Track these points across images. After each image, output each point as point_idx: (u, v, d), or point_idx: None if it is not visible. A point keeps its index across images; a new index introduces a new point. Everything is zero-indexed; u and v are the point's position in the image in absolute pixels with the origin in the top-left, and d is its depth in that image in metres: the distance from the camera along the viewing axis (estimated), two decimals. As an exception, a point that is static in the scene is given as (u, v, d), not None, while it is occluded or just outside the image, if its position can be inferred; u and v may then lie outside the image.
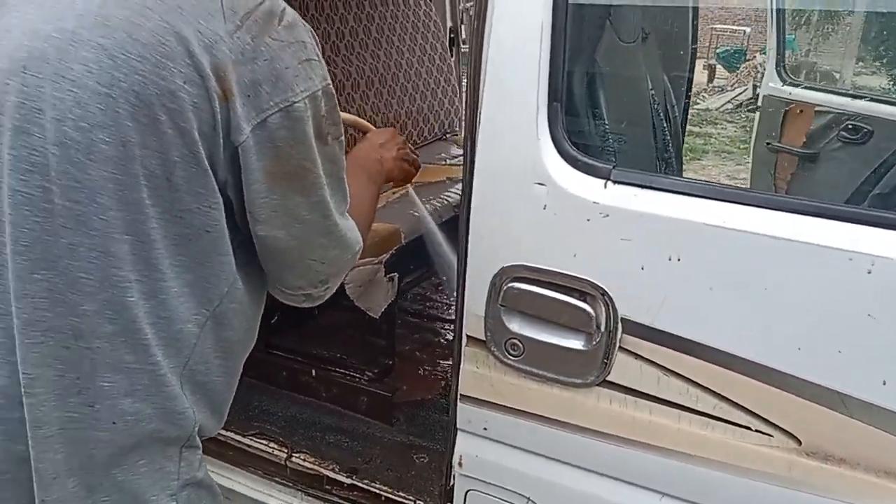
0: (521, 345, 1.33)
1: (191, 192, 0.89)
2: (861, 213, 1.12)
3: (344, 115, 1.61)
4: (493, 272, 1.32)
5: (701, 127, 11.67)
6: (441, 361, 2.04)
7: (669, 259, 1.20)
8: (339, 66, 2.31)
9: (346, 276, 1.71)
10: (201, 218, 0.91)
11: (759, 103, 3.24)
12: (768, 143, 3.11)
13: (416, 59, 2.58)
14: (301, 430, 1.90)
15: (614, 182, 1.24)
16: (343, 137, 1.04)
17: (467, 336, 1.39)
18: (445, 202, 1.93)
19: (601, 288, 1.25)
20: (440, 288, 2.46)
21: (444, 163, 2.24)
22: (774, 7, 3.04)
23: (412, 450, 1.85)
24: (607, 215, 1.23)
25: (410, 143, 2.50)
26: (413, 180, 1.53)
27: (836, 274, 1.10)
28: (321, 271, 1.06)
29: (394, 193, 1.84)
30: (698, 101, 14.11)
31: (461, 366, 1.41)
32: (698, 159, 9.47)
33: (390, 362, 1.87)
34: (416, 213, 1.70)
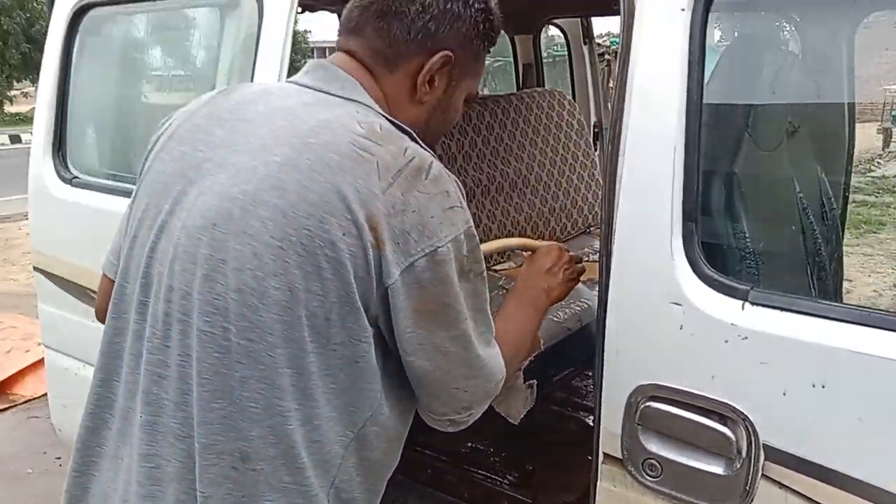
0: (659, 465, 1.31)
1: (344, 327, 0.99)
2: None
3: (511, 240, 1.71)
4: (630, 390, 1.32)
5: (877, 196, 10.86)
6: (584, 462, 2.02)
7: (814, 386, 1.15)
8: (485, 171, 2.44)
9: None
10: (352, 350, 1.01)
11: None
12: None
13: (559, 157, 2.66)
14: (440, 532, 1.94)
15: (752, 304, 1.22)
16: (485, 272, 1.11)
17: (604, 454, 1.38)
18: (583, 307, 1.94)
19: (741, 412, 1.22)
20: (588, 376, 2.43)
21: (587, 258, 2.26)
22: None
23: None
24: (746, 337, 1.21)
25: (554, 237, 2.57)
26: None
27: None
28: (464, 399, 1.10)
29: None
30: (873, 167, 13.18)
31: (598, 483, 1.40)
32: (874, 232, 8.79)
33: (531, 467, 1.88)
34: (554, 318, 1.73)
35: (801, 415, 1.17)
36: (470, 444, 1.97)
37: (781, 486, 1.21)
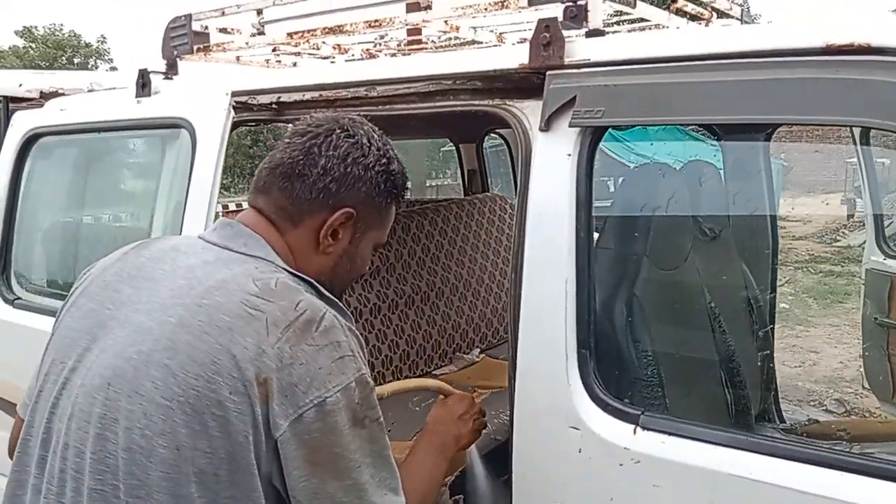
0: (569, 586, 1.35)
1: (234, 482, 1.02)
2: (887, 469, 1.11)
3: (431, 381, 1.76)
4: (537, 511, 1.37)
5: (843, 266, 11.06)
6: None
7: (702, 508, 1.22)
8: (424, 278, 2.54)
9: (414, 499, 1.81)
10: (243, 503, 1.03)
11: (864, 277, 3.14)
12: (876, 319, 2.99)
13: (500, 260, 2.77)
14: None
15: (643, 428, 1.29)
16: (381, 419, 1.14)
17: (519, 576, 1.42)
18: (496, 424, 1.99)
19: (638, 534, 1.27)
20: None
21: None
22: (866, 182, 3.02)
23: None
24: (638, 461, 1.27)
25: (484, 343, 2.64)
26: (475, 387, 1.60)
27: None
28: None
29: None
30: (838, 237, 13.49)
31: None
32: (840, 302, 8.93)
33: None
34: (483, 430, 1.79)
35: (693, 536, 1.23)
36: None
37: None
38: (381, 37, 2.32)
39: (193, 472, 1.01)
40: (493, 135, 3.37)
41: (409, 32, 2.25)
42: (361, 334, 2.34)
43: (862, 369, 3.26)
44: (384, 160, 1.22)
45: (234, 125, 1.87)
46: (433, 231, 2.61)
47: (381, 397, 1.57)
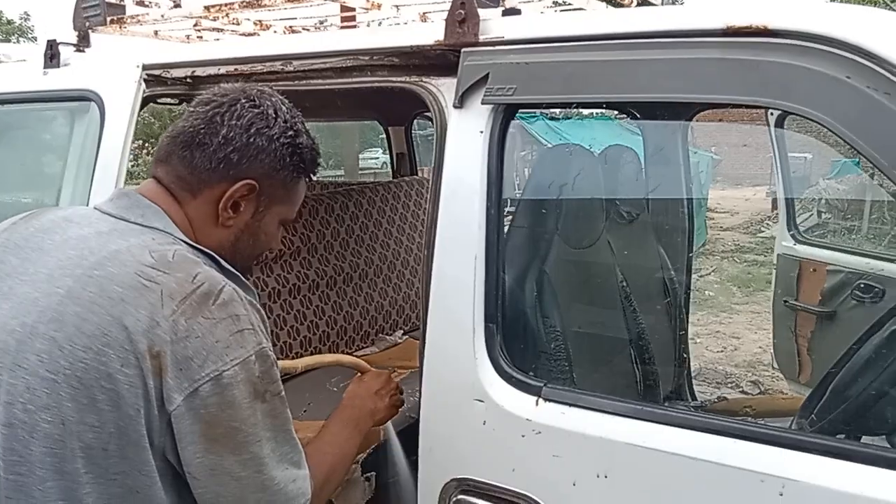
0: (472, 555, 1.37)
1: (124, 458, 1.01)
2: (772, 435, 1.16)
3: (347, 357, 1.75)
4: (442, 484, 1.39)
5: (766, 255, 11.49)
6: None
7: (598, 476, 1.25)
8: (347, 259, 2.52)
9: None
10: (133, 480, 1.02)
11: (775, 262, 3.27)
12: (786, 301, 3.12)
13: (414, 245, 2.77)
14: None
15: (545, 399, 1.32)
16: (283, 393, 1.13)
17: (424, 545, 1.44)
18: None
19: (538, 503, 1.30)
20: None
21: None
22: (780, 171, 3.14)
23: None
24: (540, 432, 1.30)
25: (408, 325, 2.65)
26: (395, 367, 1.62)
27: (751, 496, 1.14)
28: None
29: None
30: (762, 228, 14.00)
31: (422, 575, 1.46)
32: (762, 290, 9.28)
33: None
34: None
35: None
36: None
37: (578, 571, 1.29)
38: (321, 22, 2.29)
39: (80, 447, 0.99)
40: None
41: (343, 19, 2.23)
42: (280, 315, 2.33)
43: (772, 350, 3.40)
44: (291, 132, 1.19)
45: (146, 100, 1.82)
46: (357, 212, 2.60)
47: (294, 371, 1.56)
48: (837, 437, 1.30)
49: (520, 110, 1.43)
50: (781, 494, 1.11)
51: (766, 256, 11.30)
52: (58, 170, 1.98)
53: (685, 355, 2.53)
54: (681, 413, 1.34)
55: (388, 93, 1.70)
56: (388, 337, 2.65)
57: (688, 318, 2.67)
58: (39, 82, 1.96)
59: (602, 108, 1.40)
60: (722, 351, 6.82)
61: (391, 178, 3.22)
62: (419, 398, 1.45)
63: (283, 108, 1.19)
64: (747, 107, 1.21)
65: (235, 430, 1.04)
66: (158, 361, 0.99)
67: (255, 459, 1.07)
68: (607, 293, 1.85)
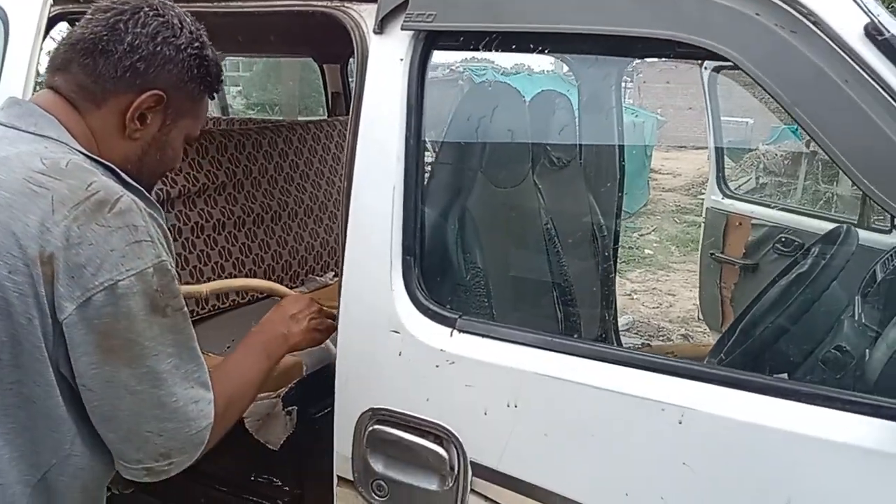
0: (385, 486, 1.38)
1: (19, 366, 0.99)
2: (672, 365, 1.19)
3: (259, 282, 1.72)
4: (358, 414, 1.39)
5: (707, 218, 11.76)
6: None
7: (508, 405, 1.27)
8: (276, 197, 2.47)
9: (246, 411, 1.80)
10: (28, 390, 1.00)
11: (704, 215, 3.35)
12: (712, 254, 3.20)
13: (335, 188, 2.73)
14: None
15: (459, 331, 1.32)
16: (185, 308, 1.11)
17: (338, 477, 1.45)
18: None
19: (450, 432, 1.31)
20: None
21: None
22: (711, 126, 3.19)
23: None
24: (453, 362, 1.31)
25: (332, 271, 2.63)
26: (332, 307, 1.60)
27: (652, 424, 1.17)
28: (159, 444, 1.07)
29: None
30: (702, 191, 14.33)
31: (335, 504, 1.46)
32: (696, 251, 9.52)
33: (299, 492, 1.92)
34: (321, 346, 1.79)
35: (499, 432, 1.28)
36: (244, 473, 1.99)
37: (487, 499, 1.31)
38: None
39: None
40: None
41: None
42: (203, 251, 2.28)
43: (697, 301, 3.50)
44: (197, 44, 1.16)
45: (56, 17, 1.72)
46: (287, 149, 2.54)
47: (199, 295, 1.53)
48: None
49: (440, 43, 1.40)
50: (680, 422, 1.14)
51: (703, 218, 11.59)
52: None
53: (611, 302, 2.58)
54: (587, 345, 1.36)
55: (321, 27, 1.64)
56: (318, 278, 2.62)
57: (615, 266, 2.72)
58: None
59: (526, 43, 1.37)
60: (657, 307, 7.01)
61: (324, 118, 3.15)
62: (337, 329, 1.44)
63: (188, 20, 1.16)
64: (661, 42, 1.21)
65: (132, 342, 1.02)
66: (50, 268, 0.96)
67: (152, 374, 1.04)
68: (531, 234, 1.86)
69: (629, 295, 7.12)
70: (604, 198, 2.49)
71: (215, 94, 1.27)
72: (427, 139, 1.43)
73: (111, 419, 1.05)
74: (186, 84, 1.17)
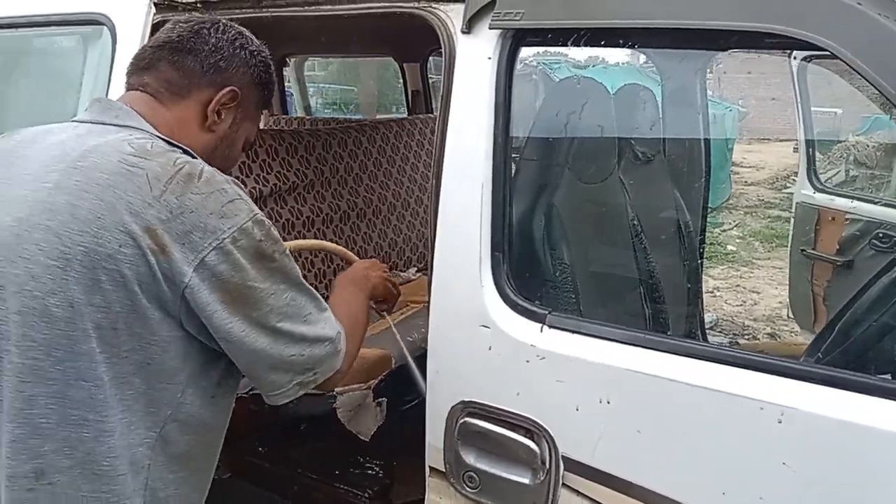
0: (477, 477, 1.41)
1: (132, 334, 1.05)
2: (772, 364, 1.17)
3: (328, 243, 1.79)
4: (449, 407, 1.42)
5: (789, 212, 11.33)
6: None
7: (600, 402, 1.27)
8: (361, 194, 2.53)
9: (338, 401, 1.85)
10: (142, 354, 1.07)
11: (793, 210, 3.23)
12: (803, 250, 3.09)
13: (428, 183, 2.76)
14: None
15: (549, 326, 1.33)
16: (287, 250, 1.19)
17: (430, 467, 1.47)
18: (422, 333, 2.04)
19: (542, 426, 1.32)
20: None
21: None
22: (802, 119, 3.08)
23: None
24: (544, 358, 1.32)
25: (422, 263, 2.66)
26: (407, 301, 1.67)
27: (750, 422, 1.15)
28: (304, 362, 1.17)
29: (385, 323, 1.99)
30: (788, 184, 13.78)
31: (427, 496, 1.49)
32: (785, 246, 9.17)
33: (388, 482, 1.96)
34: (408, 338, 1.82)
35: (592, 428, 1.29)
36: (335, 462, 2.05)
37: (579, 493, 1.32)
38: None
39: (91, 327, 1.03)
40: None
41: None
42: (293, 247, 2.34)
43: (787, 299, 3.38)
44: (264, 54, 1.31)
45: (157, 25, 1.81)
46: (371, 148, 2.59)
47: None
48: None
49: (527, 40, 1.40)
50: (780, 421, 1.12)
51: (790, 212, 11.13)
52: (71, 99, 1.99)
53: (698, 299, 2.52)
54: (682, 342, 1.34)
55: (402, 27, 1.68)
56: (401, 273, 2.66)
57: (702, 262, 2.66)
58: (53, 5, 1.95)
59: (613, 38, 1.36)
60: (741, 305, 6.79)
61: (406, 116, 3.20)
62: (428, 324, 1.46)
63: (255, 39, 1.30)
64: (751, 34, 1.18)
65: (251, 288, 1.09)
66: (158, 239, 1.03)
67: (276, 310, 1.12)
68: (618, 230, 1.84)
69: (711, 292, 6.92)
70: (689, 193, 2.44)
71: (266, 109, 1.36)
72: (513, 136, 1.44)
73: (256, 360, 1.13)
74: (255, 87, 1.29)
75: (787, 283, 3.37)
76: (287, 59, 3.60)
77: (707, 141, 2.55)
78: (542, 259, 1.54)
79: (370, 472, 1.97)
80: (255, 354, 1.13)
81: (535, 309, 1.35)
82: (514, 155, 1.48)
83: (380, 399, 1.79)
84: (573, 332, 1.31)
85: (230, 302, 1.07)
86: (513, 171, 1.42)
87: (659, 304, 1.95)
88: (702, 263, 2.66)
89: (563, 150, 1.63)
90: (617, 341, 1.28)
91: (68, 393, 1.04)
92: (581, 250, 1.64)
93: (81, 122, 1.18)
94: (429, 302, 1.46)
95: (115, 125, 1.15)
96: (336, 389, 1.81)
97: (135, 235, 1.02)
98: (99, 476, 1.06)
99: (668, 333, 1.95)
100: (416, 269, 2.73)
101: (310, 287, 1.21)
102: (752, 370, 1.16)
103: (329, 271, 2.41)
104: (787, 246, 9.07)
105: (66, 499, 1.06)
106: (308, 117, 3.72)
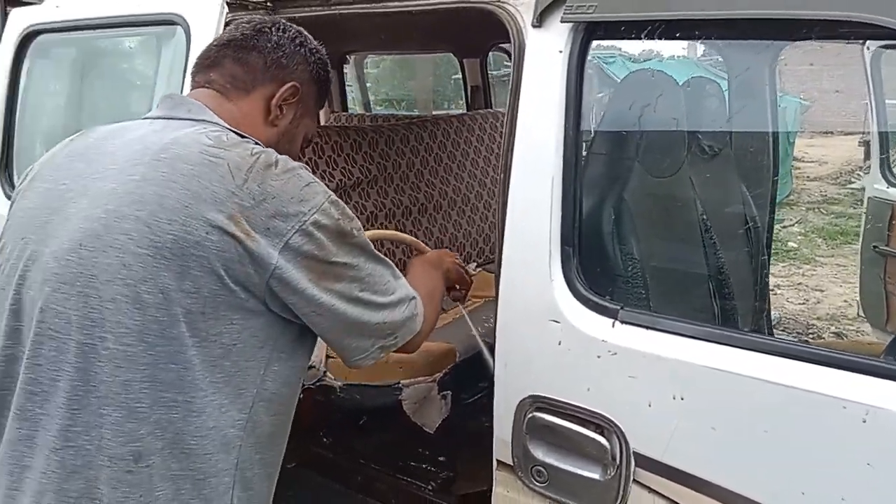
0: (545, 472, 1.40)
1: (219, 317, 1.09)
2: (855, 361, 1.13)
3: (403, 234, 1.82)
4: (518, 401, 1.42)
5: (855, 207, 10.98)
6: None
7: (674, 398, 1.25)
8: (422, 190, 2.54)
9: (404, 394, 1.87)
10: (228, 336, 1.10)
11: (865, 206, 3.12)
12: (875, 247, 2.99)
13: (488, 179, 2.76)
14: (369, 534, 2.03)
15: (622, 322, 1.32)
16: (361, 227, 1.23)
17: (497, 461, 1.48)
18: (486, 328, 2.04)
19: (613, 422, 1.31)
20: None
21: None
22: (875, 110, 2.97)
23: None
24: (615, 353, 1.31)
25: (482, 258, 2.67)
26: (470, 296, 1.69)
27: (832, 422, 1.12)
28: (386, 327, 1.24)
29: (450, 316, 2.00)
30: (852, 179, 13.32)
31: (494, 489, 1.50)
32: (850, 243, 8.91)
33: (452, 475, 1.97)
34: (471, 333, 1.83)
35: (664, 424, 1.27)
36: (399, 454, 2.07)
37: (650, 490, 1.30)
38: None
39: (182, 312, 1.06)
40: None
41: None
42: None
43: (858, 296, 3.28)
44: (322, 53, 1.35)
45: (228, 24, 1.85)
46: (432, 144, 2.61)
47: None
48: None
49: (599, 34, 1.39)
50: (864, 421, 1.08)
51: (855, 209, 10.77)
52: (146, 97, 2.05)
53: (765, 296, 2.47)
54: (759, 338, 1.31)
55: (463, 22, 1.68)
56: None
57: (769, 258, 2.59)
58: (128, 6, 2.01)
59: (686, 30, 1.35)
60: (804, 303, 6.59)
61: (465, 112, 3.20)
62: (495, 319, 1.47)
63: (313, 38, 1.35)
64: (825, 22, 1.15)
65: (334, 264, 1.15)
66: (243, 226, 1.07)
67: (358, 281, 1.18)
68: (687, 225, 1.81)
69: (772, 290, 6.75)
70: (756, 187, 2.39)
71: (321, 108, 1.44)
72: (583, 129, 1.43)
73: (342, 329, 1.19)
74: (314, 84, 1.34)
75: (857, 281, 3.26)
76: (347, 57, 3.65)
77: (776, 136, 2.49)
78: (611, 253, 1.53)
79: (434, 464, 1.98)
80: (341, 324, 1.18)
81: (607, 304, 1.33)
82: (584, 149, 1.47)
83: (444, 392, 1.80)
84: (647, 327, 1.30)
85: (316, 279, 1.12)
86: (583, 165, 1.41)
87: (728, 301, 1.91)
88: (769, 259, 2.60)
89: (633, 144, 1.61)
90: (692, 337, 1.26)
91: (158, 376, 1.07)
92: (650, 245, 1.62)
93: (155, 118, 1.23)
94: (496, 296, 1.46)
95: (188, 119, 1.19)
96: (402, 382, 1.84)
97: (221, 223, 1.06)
98: (187, 455, 1.10)
99: (740, 330, 1.91)
100: (475, 264, 2.73)
101: (384, 257, 1.26)
102: (835, 368, 1.13)
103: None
104: (852, 243, 8.80)
105: (159, 479, 1.09)
106: (368, 114, 3.76)
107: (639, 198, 1.60)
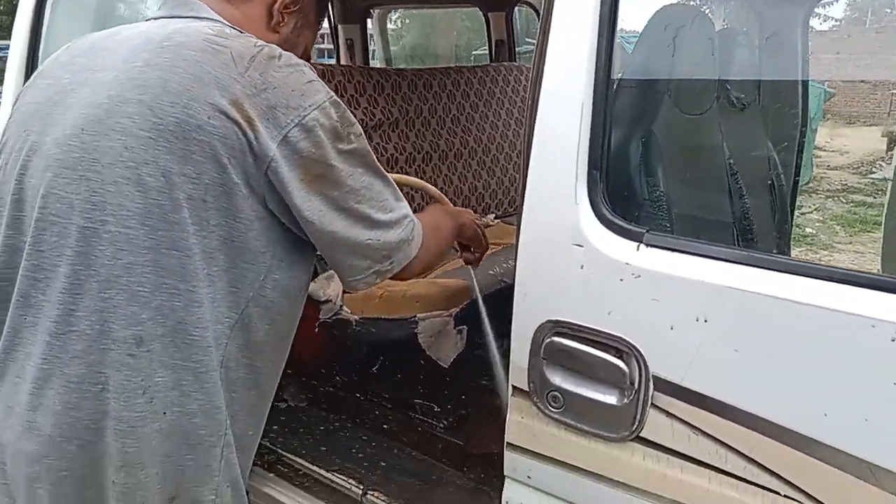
0: (561, 397, 1.40)
1: (219, 208, 1.09)
2: (884, 280, 1.12)
3: (428, 185, 1.80)
4: (535, 326, 1.41)
5: (875, 197, 10.89)
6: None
7: (697, 320, 1.24)
8: (443, 137, 2.53)
9: (419, 327, 1.87)
10: (227, 230, 1.10)
11: (893, 177, 3.07)
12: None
13: (510, 131, 2.74)
14: (379, 471, 2.04)
15: (647, 245, 1.30)
16: (363, 134, 1.22)
17: (513, 387, 1.47)
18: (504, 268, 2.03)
19: (633, 345, 1.30)
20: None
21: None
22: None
23: (480, 496, 1.92)
24: (639, 276, 1.29)
25: (500, 210, 2.65)
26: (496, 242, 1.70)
27: (859, 341, 1.10)
28: (381, 248, 1.22)
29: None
30: (874, 169, 13.18)
31: (508, 415, 1.49)
32: (869, 231, 8.84)
33: (464, 412, 1.98)
34: (489, 272, 1.82)
35: (685, 347, 1.26)
36: (411, 392, 2.07)
37: (668, 414, 1.29)
38: None
39: (184, 197, 1.06)
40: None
41: None
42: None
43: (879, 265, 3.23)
44: None
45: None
46: (455, 92, 2.59)
47: None
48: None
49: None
50: (894, 339, 1.07)
51: (875, 198, 10.69)
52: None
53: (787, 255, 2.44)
54: (785, 259, 1.29)
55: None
56: (481, 218, 2.66)
57: (793, 216, 2.57)
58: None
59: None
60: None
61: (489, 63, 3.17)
62: (516, 246, 1.46)
63: None
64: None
65: (329, 167, 1.13)
66: (244, 113, 1.06)
67: (353, 191, 1.16)
68: (714, 166, 1.79)
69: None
70: (783, 147, 2.36)
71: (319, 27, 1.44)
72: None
73: (334, 241, 1.17)
74: None
75: (880, 258, 3.21)
76: (371, 11, 3.62)
77: (805, 95, 2.46)
78: (637, 184, 1.51)
79: (447, 403, 1.99)
80: (332, 236, 1.16)
81: (631, 227, 1.32)
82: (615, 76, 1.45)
83: (460, 327, 1.80)
84: (672, 249, 1.28)
85: (309, 181, 1.11)
86: (613, 92, 1.39)
87: (751, 245, 1.89)
88: (792, 220, 2.58)
89: (664, 77, 1.59)
90: (717, 259, 1.24)
91: (161, 261, 1.07)
92: (677, 179, 1.60)
93: (157, 17, 1.23)
94: (518, 221, 1.45)
95: (190, 17, 1.19)
96: (418, 315, 1.83)
97: (223, 107, 1.06)
98: (189, 345, 1.10)
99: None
100: (494, 215, 2.72)
101: (388, 176, 1.24)
102: (864, 287, 1.12)
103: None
104: (871, 231, 8.70)
105: (160, 365, 1.09)
106: (391, 69, 3.73)
107: (667, 132, 1.58)
